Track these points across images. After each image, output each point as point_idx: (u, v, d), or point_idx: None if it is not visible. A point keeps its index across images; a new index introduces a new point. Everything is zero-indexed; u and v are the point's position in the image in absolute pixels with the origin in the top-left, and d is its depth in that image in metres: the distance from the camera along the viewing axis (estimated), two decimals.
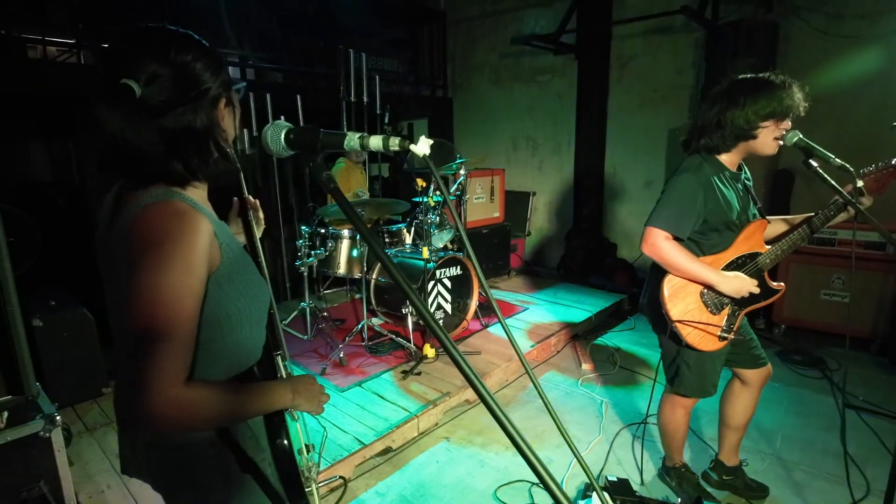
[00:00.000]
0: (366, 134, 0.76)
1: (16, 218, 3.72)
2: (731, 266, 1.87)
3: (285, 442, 0.99)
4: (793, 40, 4.10)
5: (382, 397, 2.94)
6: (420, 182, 3.61)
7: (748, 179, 1.97)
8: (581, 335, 4.08)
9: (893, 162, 1.76)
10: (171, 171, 0.87)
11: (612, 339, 4.05)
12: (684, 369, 1.97)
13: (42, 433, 1.92)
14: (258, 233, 1.26)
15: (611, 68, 5.24)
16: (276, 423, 0.99)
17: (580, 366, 3.59)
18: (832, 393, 3.10)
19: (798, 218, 1.93)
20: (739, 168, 1.93)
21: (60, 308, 2.88)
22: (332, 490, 2.33)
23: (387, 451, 2.61)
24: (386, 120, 4.54)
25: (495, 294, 4.67)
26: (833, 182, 1.68)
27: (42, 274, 3.74)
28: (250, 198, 1.25)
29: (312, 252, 3.55)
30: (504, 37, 5.94)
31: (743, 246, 1.88)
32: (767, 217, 1.92)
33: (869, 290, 3.62)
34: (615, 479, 2.25)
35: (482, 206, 5.11)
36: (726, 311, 1.88)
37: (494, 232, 5.18)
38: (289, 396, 0.98)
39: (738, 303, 1.88)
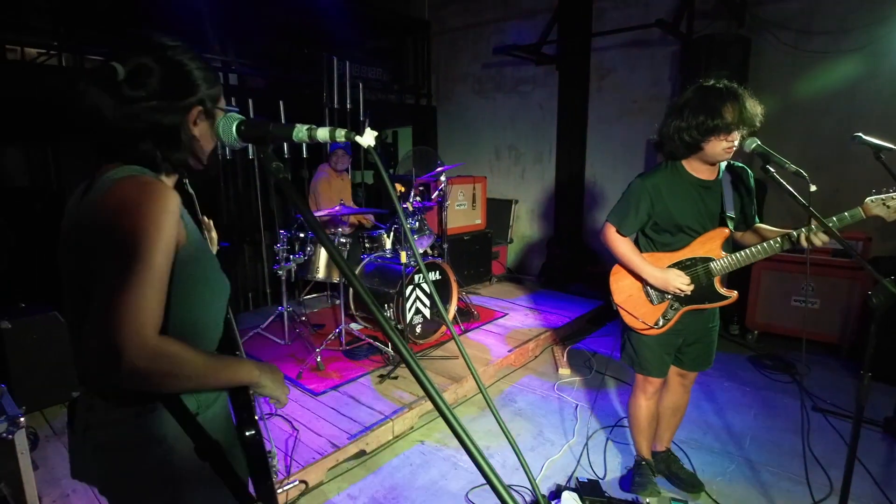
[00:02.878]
0: (314, 126, 0.78)
1: None
2: (679, 266, 1.99)
3: (254, 430, 1.00)
4: (764, 55, 4.23)
5: (358, 401, 2.94)
6: (399, 187, 3.64)
7: (744, 184, 2.01)
8: (559, 340, 4.12)
9: None
10: (139, 153, 0.92)
11: (589, 344, 4.10)
12: (627, 343, 2.18)
13: (5, 435, 1.89)
14: (212, 249, 1.26)
15: (590, 79, 5.35)
16: (244, 408, 1.01)
17: (557, 370, 3.62)
18: (801, 397, 3.17)
19: (777, 233, 1.94)
20: (717, 176, 1.99)
21: (30, 311, 2.84)
22: (302, 493, 2.32)
23: (360, 454, 2.61)
24: (366, 127, 4.57)
25: (476, 300, 4.70)
26: (789, 187, 1.74)
27: (16, 278, 3.68)
28: (204, 218, 1.26)
29: (291, 257, 3.55)
30: (487, 47, 6.03)
31: (698, 249, 1.97)
32: (758, 225, 2.02)
33: (837, 296, 3.72)
34: (585, 481, 2.27)
35: (464, 213, 5.15)
36: (665, 304, 2.03)
37: (476, 239, 5.22)
38: (255, 372, 1.00)
39: (679, 300, 2.01)
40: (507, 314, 4.45)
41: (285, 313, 3.78)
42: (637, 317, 2.06)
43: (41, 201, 4.51)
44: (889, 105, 3.78)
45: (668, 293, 2.00)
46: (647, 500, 2.18)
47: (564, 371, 3.59)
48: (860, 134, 1.85)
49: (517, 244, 6.24)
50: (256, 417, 1.03)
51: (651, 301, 2.05)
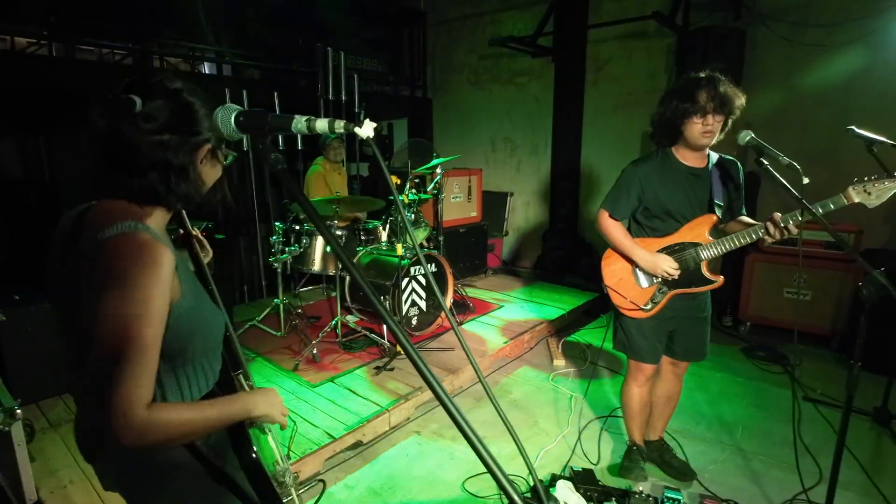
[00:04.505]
0: (312, 117, 0.78)
1: None
2: (668, 250, 2.06)
3: (252, 454, 1.03)
4: (759, 47, 4.24)
5: (354, 392, 2.96)
6: (395, 180, 3.63)
7: (734, 178, 2.08)
8: (554, 332, 4.15)
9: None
10: (146, 184, 0.93)
11: (584, 336, 4.13)
12: (619, 329, 2.25)
13: (2, 427, 1.89)
14: (206, 258, 1.28)
15: (587, 71, 5.34)
16: (240, 437, 1.04)
17: (552, 361, 3.65)
18: (792, 387, 3.21)
19: (756, 224, 2.00)
20: (706, 163, 2.06)
21: (25, 303, 2.83)
22: (301, 483, 2.34)
23: (357, 444, 2.62)
24: (362, 118, 4.55)
25: (472, 292, 4.71)
26: (783, 179, 1.76)
27: (9, 270, 3.66)
28: (197, 233, 1.27)
29: (286, 249, 3.54)
30: (483, 39, 5.99)
31: (686, 235, 2.05)
32: (742, 217, 2.08)
33: (828, 289, 3.76)
34: (580, 470, 2.30)
35: (459, 206, 5.15)
36: (654, 288, 2.11)
37: (472, 231, 5.23)
38: (249, 406, 1.01)
39: (667, 283, 2.08)
40: (502, 306, 4.47)
41: (281, 305, 3.78)
42: (626, 297, 2.13)
43: (34, 194, 4.48)
44: (884, 97, 3.80)
45: (656, 276, 2.07)
46: (640, 486, 2.21)
47: (559, 362, 3.62)
48: (853, 127, 1.86)
49: (512, 236, 6.25)
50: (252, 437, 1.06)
51: (640, 284, 2.13)
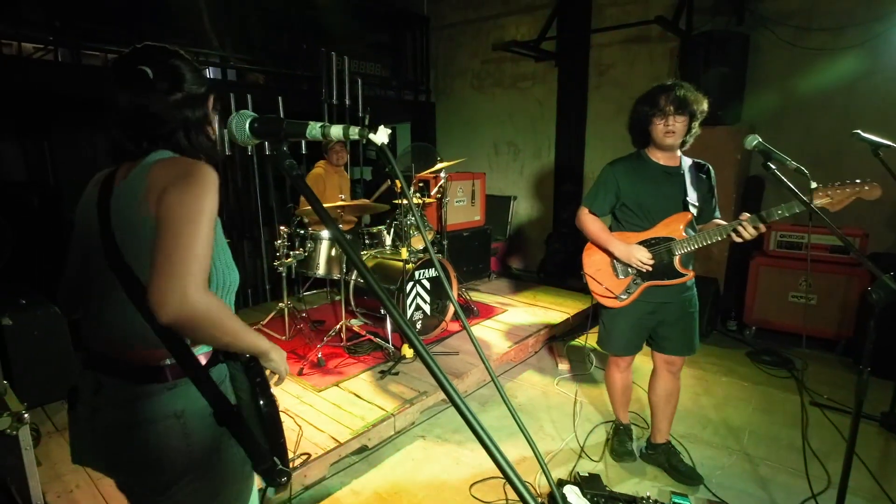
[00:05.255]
0: (327, 123, 0.79)
1: None
2: (644, 244, 2.21)
3: (275, 403, 1.09)
4: (762, 51, 4.25)
5: (360, 397, 2.95)
6: (399, 184, 3.64)
7: (706, 180, 2.26)
8: (558, 336, 4.14)
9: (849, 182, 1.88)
10: (177, 140, 1.05)
11: (588, 340, 4.12)
12: (601, 326, 2.43)
13: (9, 431, 1.89)
14: None
15: (590, 76, 5.35)
16: (263, 385, 1.09)
17: (557, 366, 3.64)
18: (798, 391, 3.20)
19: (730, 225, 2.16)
20: (679, 163, 2.24)
21: (31, 307, 2.84)
22: (306, 488, 2.34)
23: (363, 449, 2.62)
24: (366, 123, 4.57)
25: (475, 296, 4.71)
26: (790, 184, 1.75)
27: (14, 273, 3.67)
28: None
29: (291, 253, 3.55)
30: (486, 43, 6.02)
31: (662, 230, 2.20)
32: (715, 220, 2.26)
33: (834, 292, 3.75)
34: (586, 475, 2.29)
35: (463, 210, 5.15)
36: (629, 279, 2.26)
37: (475, 235, 5.23)
38: (271, 347, 1.12)
39: (641, 275, 2.23)
40: (506, 310, 4.46)
41: (286, 309, 3.78)
42: (602, 284, 2.30)
43: (38, 196, 4.49)
44: (887, 102, 3.80)
45: (631, 267, 2.22)
46: (647, 492, 2.21)
47: (564, 366, 3.61)
48: (859, 131, 1.87)
49: (516, 240, 6.25)
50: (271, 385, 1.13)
51: (617, 275, 2.28)
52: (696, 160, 2.27)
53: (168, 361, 1.02)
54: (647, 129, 2.15)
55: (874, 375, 1.73)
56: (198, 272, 0.90)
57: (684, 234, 2.16)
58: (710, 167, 2.29)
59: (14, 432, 1.90)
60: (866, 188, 1.84)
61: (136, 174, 1.00)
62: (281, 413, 2.60)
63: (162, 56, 1.04)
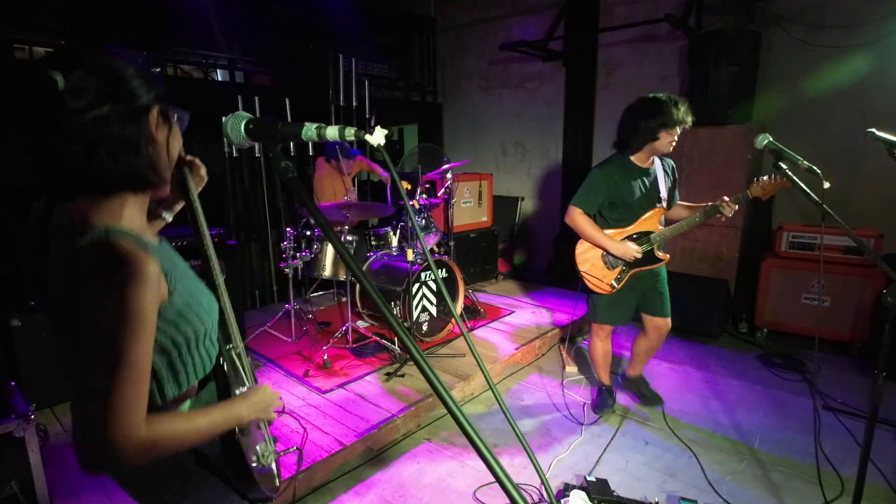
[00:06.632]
0: (322, 124, 0.77)
1: None
2: (629, 238, 2.57)
3: (234, 435, 0.99)
4: (774, 49, 4.18)
5: (365, 399, 2.94)
6: (405, 185, 3.63)
7: (670, 174, 2.65)
8: (566, 338, 4.10)
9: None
10: (87, 177, 0.82)
11: None
12: (592, 304, 2.82)
13: (15, 432, 1.90)
14: (200, 185, 1.16)
15: (598, 75, 5.30)
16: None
17: (564, 368, 3.60)
18: (811, 395, 3.14)
19: (697, 207, 2.58)
20: (652, 164, 2.59)
21: (39, 309, 2.86)
22: (312, 490, 2.33)
23: (367, 452, 2.61)
24: (373, 124, 4.56)
25: (482, 298, 4.68)
26: (802, 184, 1.72)
27: (23, 276, 3.70)
28: (188, 158, 1.12)
29: (298, 254, 3.55)
30: (493, 44, 5.99)
31: (642, 225, 2.57)
32: (681, 202, 2.70)
33: (848, 294, 3.68)
34: (594, 479, 2.26)
35: (470, 211, 5.14)
36: (618, 269, 2.62)
37: (482, 236, 5.21)
38: (243, 414, 0.98)
39: (628, 264, 2.60)
40: (513, 312, 4.44)
41: (292, 311, 3.78)
42: (600, 278, 2.64)
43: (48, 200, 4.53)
44: None
45: (620, 260, 2.56)
46: (656, 497, 2.17)
47: (571, 369, 3.58)
48: (873, 129, 1.82)
49: (523, 241, 6.22)
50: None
51: (608, 267, 2.63)
52: (661, 157, 2.59)
53: None
54: (650, 140, 2.43)
55: (889, 380, 1.69)
56: (124, 409, 0.75)
57: (660, 226, 2.58)
58: (672, 162, 2.68)
59: (21, 433, 1.91)
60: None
61: (63, 258, 0.82)
62: (285, 415, 2.60)
63: (87, 57, 0.80)
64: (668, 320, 2.76)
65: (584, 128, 5.43)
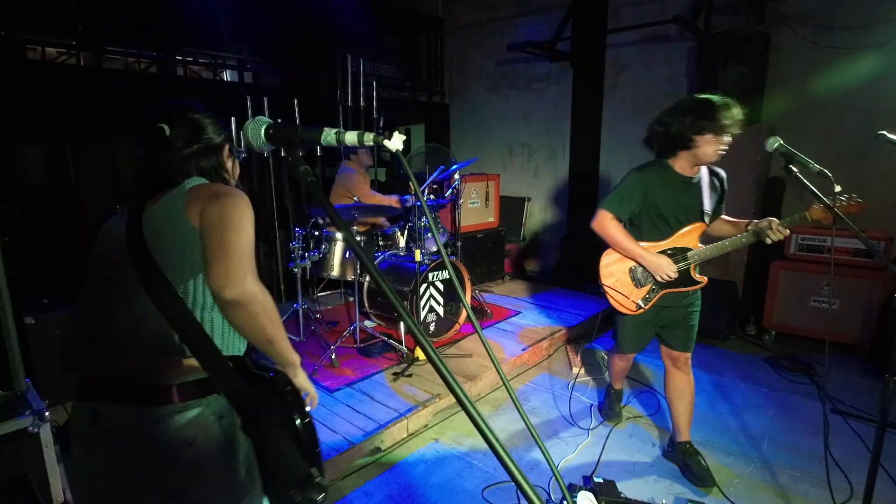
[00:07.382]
0: (341, 129, 0.78)
1: (8, 217, 3.73)
2: (663, 254, 2.23)
3: (307, 418, 1.13)
4: (783, 50, 4.16)
5: (372, 398, 2.96)
6: (413, 188, 3.64)
7: (718, 186, 2.29)
8: (573, 339, 4.10)
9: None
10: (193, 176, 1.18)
11: (603, 343, 4.07)
12: (618, 329, 2.49)
13: (31, 428, 1.93)
14: None
15: (605, 76, 5.29)
16: (297, 401, 1.15)
17: (571, 369, 3.61)
18: (819, 398, 3.12)
19: (739, 223, 2.26)
20: (697, 173, 2.23)
21: (53, 307, 2.90)
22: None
23: (375, 451, 2.62)
24: (381, 124, 4.58)
25: (489, 298, 4.69)
26: (812, 186, 1.72)
27: (36, 274, 3.74)
28: None
29: (306, 254, 3.57)
30: (500, 44, 5.99)
31: (679, 241, 2.24)
32: (724, 216, 2.34)
33: (857, 297, 3.66)
34: (601, 480, 2.27)
35: (477, 211, 5.14)
36: (647, 287, 2.29)
37: (489, 237, 5.22)
38: (299, 366, 1.25)
39: (659, 283, 2.26)
40: (520, 312, 4.44)
41: (300, 310, 3.81)
42: (625, 295, 2.30)
43: (60, 199, 4.59)
44: None
45: (649, 276, 2.25)
46: (664, 500, 2.17)
47: (578, 370, 3.58)
48: (884, 132, 1.81)
49: (530, 242, 6.22)
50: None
51: (636, 284, 2.30)
52: (710, 167, 2.25)
53: (178, 381, 0.99)
54: (690, 143, 2.08)
55: None
56: (252, 263, 1.04)
57: (700, 245, 2.23)
58: (724, 174, 2.31)
59: (35, 430, 1.94)
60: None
61: (170, 197, 1.11)
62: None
63: (181, 112, 1.18)
64: (689, 356, 2.41)
65: (591, 129, 5.42)
